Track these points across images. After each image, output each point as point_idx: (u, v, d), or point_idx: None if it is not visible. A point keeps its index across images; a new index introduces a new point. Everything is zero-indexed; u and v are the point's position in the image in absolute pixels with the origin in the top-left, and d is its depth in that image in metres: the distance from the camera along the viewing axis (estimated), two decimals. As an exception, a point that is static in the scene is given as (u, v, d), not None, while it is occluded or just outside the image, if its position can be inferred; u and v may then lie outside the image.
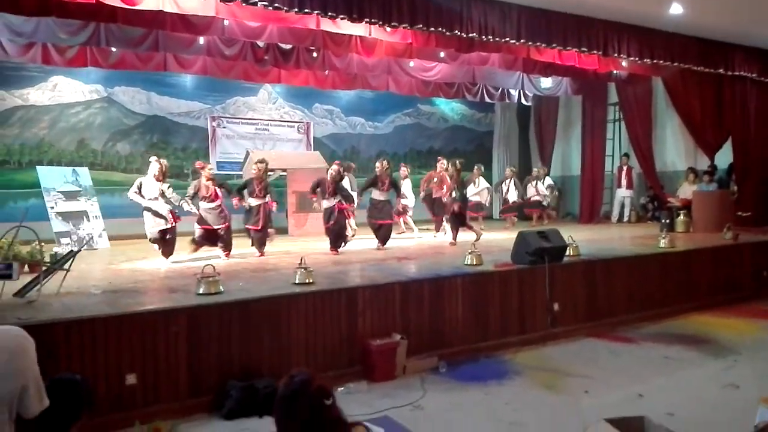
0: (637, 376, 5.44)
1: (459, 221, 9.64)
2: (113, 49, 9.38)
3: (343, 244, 8.87)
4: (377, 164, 9.67)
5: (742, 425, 3.19)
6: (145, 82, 11.98)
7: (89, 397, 2.30)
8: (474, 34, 8.06)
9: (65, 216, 9.96)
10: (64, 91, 11.43)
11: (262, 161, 8.60)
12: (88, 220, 10.22)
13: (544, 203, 13.51)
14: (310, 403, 1.93)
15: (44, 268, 5.49)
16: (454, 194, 9.57)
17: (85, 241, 9.50)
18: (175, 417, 4.48)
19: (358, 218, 10.39)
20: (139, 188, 7.69)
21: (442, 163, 11.07)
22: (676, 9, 8.63)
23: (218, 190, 8.15)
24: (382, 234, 9.24)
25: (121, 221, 10.68)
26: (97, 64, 9.72)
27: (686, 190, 11.89)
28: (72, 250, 6.11)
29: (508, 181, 13.36)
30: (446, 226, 10.42)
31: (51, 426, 2.11)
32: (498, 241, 9.62)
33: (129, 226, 10.56)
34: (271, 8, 6.91)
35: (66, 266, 5.71)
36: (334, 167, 8.89)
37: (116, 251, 9.46)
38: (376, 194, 9.42)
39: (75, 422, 2.19)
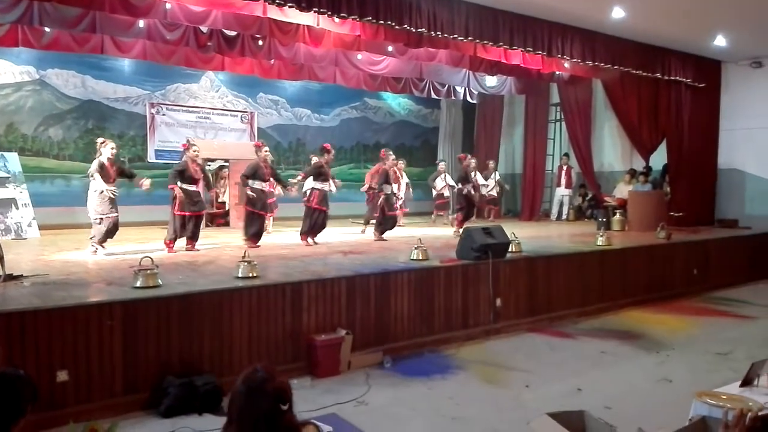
0: (575, 371, 5.57)
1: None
2: (47, 29, 8.88)
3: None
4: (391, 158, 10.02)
5: (677, 418, 3.28)
6: (81, 65, 11.44)
7: (34, 391, 2.21)
8: (423, 28, 8.09)
9: (-8, 203, 9.45)
10: (-8, 71, 10.81)
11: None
12: (17, 208, 9.72)
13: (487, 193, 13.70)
14: (266, 405, 1.86)
15: None
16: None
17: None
18: (109, 415, 4.28)
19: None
20: None
21: (393, 157, 11.04)
22: (618, 13, 8.93)
23: None
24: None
25: (53, 210, 10.21)
26: (29, 44, 9.17)
27: (622, 190, 12.30)
28: None
29: (442, 175, 13.39)
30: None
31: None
32: (435, 236, 9.70)
33: (61, 216, 10.12)
34: (216, -8, 6.72)
35: None
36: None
37: (47, 241, 9.03)
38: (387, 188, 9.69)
39: (21, 417, 2.10)
